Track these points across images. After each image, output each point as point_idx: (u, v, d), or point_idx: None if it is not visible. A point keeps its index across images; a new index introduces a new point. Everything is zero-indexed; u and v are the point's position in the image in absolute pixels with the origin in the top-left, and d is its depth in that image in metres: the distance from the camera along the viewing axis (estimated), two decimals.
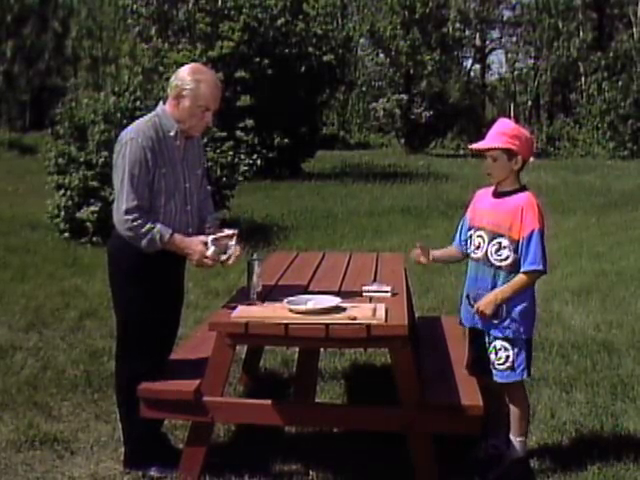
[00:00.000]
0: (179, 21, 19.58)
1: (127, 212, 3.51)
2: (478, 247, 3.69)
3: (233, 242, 3.65)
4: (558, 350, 5.60)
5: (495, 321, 3.61)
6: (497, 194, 3.70)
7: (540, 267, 3.54)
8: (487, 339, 3.69)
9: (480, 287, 3.67)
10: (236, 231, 3.70)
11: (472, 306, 3.67)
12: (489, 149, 3.62)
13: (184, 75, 3.63)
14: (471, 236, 3.76)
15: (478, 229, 3.71)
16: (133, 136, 3.56)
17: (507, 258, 3.58)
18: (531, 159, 3.70)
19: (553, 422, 4.34)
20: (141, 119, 3.71)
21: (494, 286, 3.61)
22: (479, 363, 3.78)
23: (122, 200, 3.52)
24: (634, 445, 4.04)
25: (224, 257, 3.64)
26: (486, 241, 3.65)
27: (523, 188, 3.67)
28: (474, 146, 3.69)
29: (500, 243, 3.59)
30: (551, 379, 5.01)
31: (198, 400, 3.54)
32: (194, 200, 3.77)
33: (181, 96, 3.61)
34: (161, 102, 3.79)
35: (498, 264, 3.61)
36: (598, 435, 4.23)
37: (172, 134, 3.63)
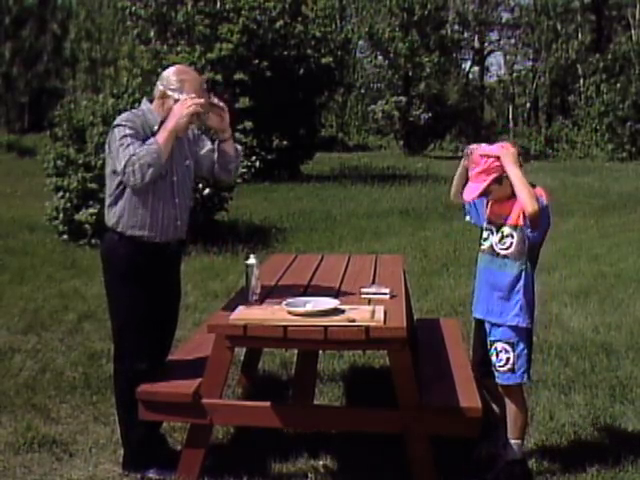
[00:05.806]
0: (178, 23, 19.55)
1: (128, 164, 3.47)
2: (486, 239, 3.77)
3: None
4: (557, 352, 5.60)
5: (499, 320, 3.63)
6: None
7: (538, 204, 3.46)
8: (489, 341, 3.72)
9: (488, 278, 3.71)
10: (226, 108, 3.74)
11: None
12: (482, 193, 3.65)
13: (169, 76, 3.67)
14: (482, 230, 3.83)
15: (487, 221, 3.79)
16: (118, 122, 3.60)
17: (510, 246, 3.63)
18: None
19: (552, 424, 4.35)
20: (126, 112, 3.75)
21: (502, 276, 3.65)
22: (483, 364, 3.81)
23: (121, 161, 3.47)
24: (633, 447, 4.03)
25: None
26: (493, 232, 3.72)
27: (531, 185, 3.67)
28: (469, 198, 3.71)
29: (503, 232, 3.66)
30: (550, 381, 5.01)
31: (197, 402, 3.54)
32: (183, 192, 3.77)
33: (166, 96, 3.65)
34: (145, 99, 3.81)
35: (504, 253, 3.66)
36: (597, 437, 4.23)
37: (156, 129, 3.63)
